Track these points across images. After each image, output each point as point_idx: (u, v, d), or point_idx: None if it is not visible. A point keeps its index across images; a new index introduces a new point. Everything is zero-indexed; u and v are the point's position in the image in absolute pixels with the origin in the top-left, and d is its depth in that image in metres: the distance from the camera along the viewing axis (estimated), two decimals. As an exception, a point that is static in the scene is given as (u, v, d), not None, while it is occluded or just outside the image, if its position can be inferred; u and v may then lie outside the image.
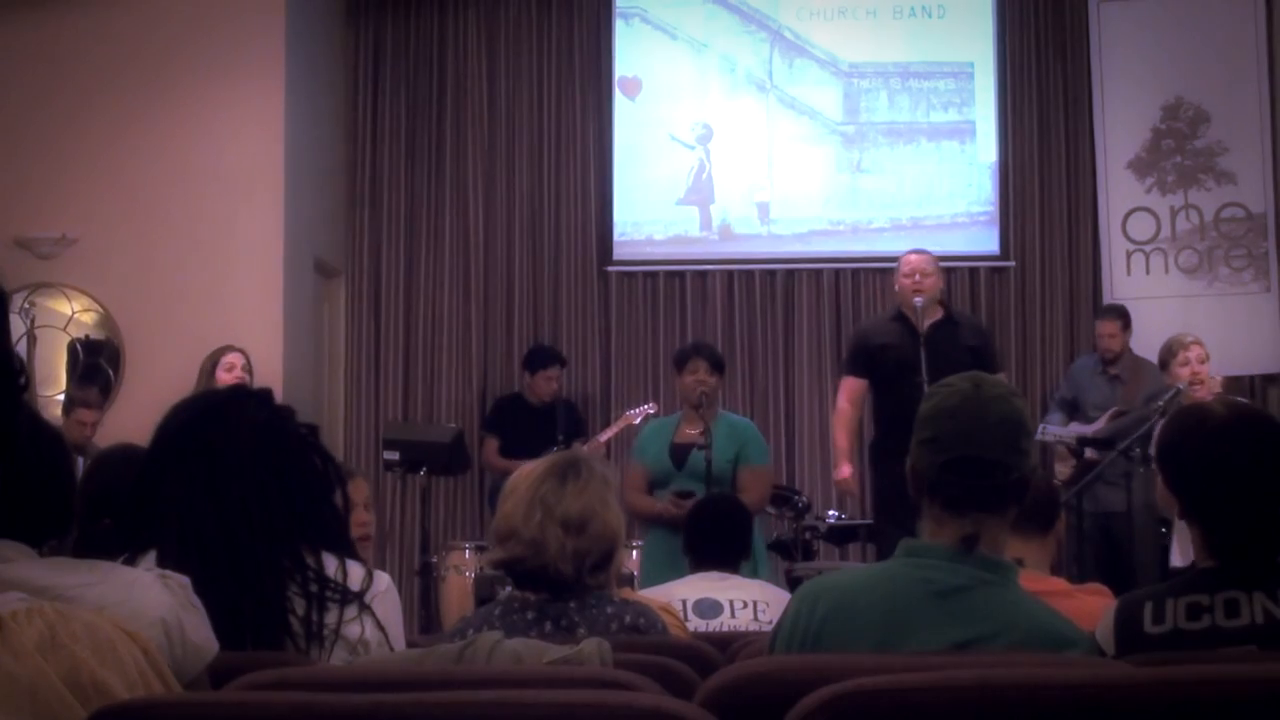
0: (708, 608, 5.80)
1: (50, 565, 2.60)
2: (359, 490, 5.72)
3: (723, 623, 5.69)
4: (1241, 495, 3.29)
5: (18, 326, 10.18)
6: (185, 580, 2.59)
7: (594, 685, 2.05)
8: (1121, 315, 10.15)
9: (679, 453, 8.27)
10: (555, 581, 3.93)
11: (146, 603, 2.49)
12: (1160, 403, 8.35)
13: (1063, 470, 9.45)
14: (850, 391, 8.96)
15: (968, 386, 3.22)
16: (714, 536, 6.25)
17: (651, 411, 10.23)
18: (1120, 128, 11.58)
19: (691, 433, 8.22)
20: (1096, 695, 1.71)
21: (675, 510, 7.74)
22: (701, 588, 5.92)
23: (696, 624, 5.61)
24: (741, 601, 5.85)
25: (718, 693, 2.25)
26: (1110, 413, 9.56)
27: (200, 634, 2.55)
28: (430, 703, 1.65)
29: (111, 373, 10.54)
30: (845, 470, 8.79)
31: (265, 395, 3.42)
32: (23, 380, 1.77)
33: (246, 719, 1.65)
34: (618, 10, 12.27)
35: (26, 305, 10.41)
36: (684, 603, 5.71)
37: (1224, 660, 2.75)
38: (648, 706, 1.65)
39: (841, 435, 8.93)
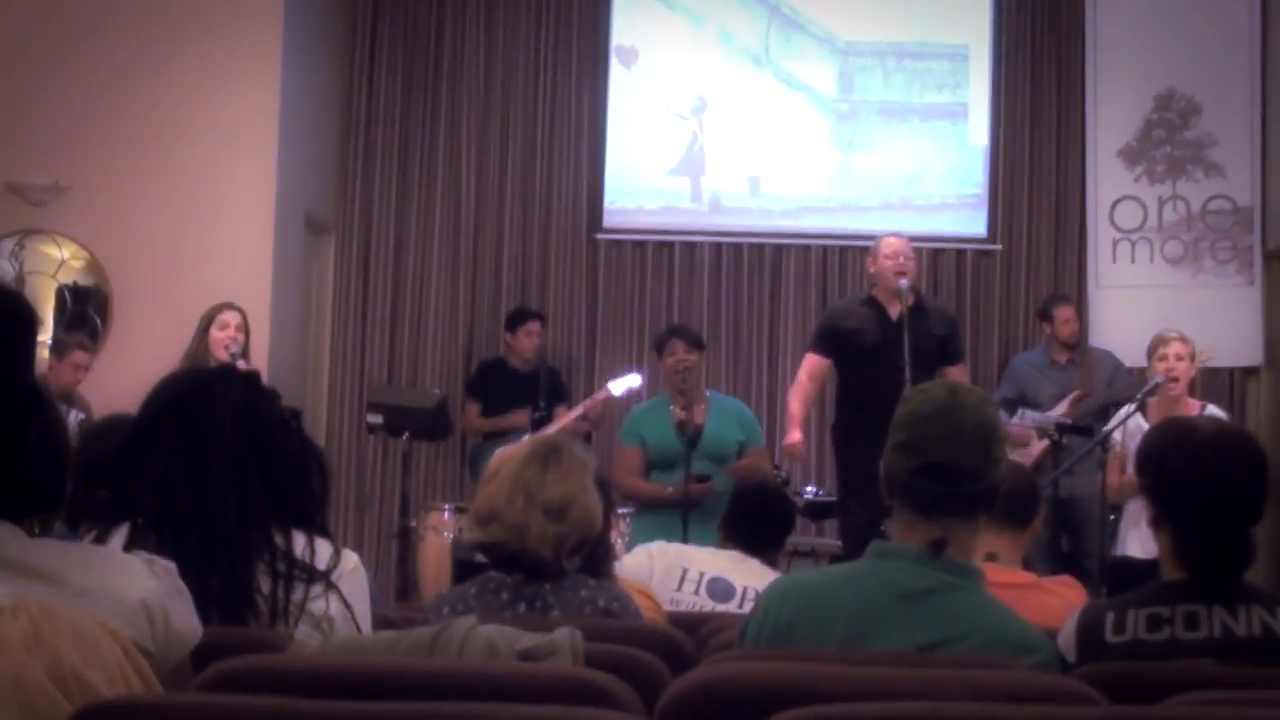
0: (721, 590, 5.79)
1: (38, 546, 2.64)
2: None
3: (729, 610, 5.66)
4: (1220, 511, 3.35)
5: (6, 270, 10.24)
6: (171, 566, 2.64)
7: (564, 692, 2.10)
8: (1075, 301, 10.39)
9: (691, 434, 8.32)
10: (535, 565, 4.01)
11: (130, 586, 2.53)
12: (1139, 394, 8.37)
13: (1024, 457, 9.49)
14: (812, 368, 9.11)
15: (944, 394, 3.28)
16: (757, 522, 6.17)
17: (636, 384, 10.20)
18: (1112, 115, 11.58)
19: (684, 414, 8.29)
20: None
21: (701, 492, 8.04)
22: (721, 564, 5.89)
23: (704, 601, 5.65)
24: (754, 590, 5.83)
25: (679, 698, 2.30)
26: (1072, 397, 9.73)
27: (185, 621, 2.59)
28: (399, 713, 1.70)
29: (99, 320, 10.54)
30: (796, 435, 8.89)
31: (251, 377, 3.48)
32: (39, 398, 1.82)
33: (223, 722, 1.70)
34: (616, -22, 12.26)
35: (16, 249, 10.44)
36: (701, 575, 5.74)
37: (1181, 671, 2.81)
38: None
39: (797, 404, 9.06)
